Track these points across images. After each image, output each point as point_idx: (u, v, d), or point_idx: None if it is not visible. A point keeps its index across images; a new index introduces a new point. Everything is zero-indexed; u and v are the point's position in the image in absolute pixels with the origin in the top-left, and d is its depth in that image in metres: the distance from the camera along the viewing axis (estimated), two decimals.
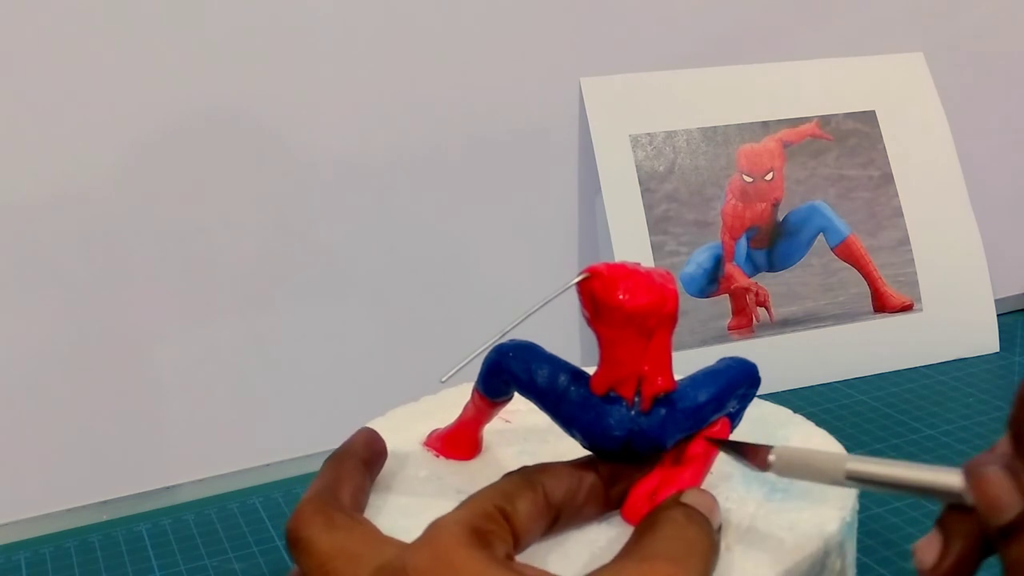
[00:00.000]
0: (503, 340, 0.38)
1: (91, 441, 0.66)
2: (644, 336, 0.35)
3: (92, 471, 0.66)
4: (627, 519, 0.36)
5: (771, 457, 0.35)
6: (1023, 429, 0.35)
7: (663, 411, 0.36)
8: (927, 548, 0.34)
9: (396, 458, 0.42)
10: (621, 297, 0.34)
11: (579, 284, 0.35)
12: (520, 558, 0.33)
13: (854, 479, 0.34)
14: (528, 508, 0.33)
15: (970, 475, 0.32)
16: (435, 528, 0.31)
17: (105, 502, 0.66)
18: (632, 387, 0.35)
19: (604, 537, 0.36)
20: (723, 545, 0.35)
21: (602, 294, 0.35)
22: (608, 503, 0.36)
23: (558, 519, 0.35)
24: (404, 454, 0.42)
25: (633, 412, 0.35)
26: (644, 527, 0.33)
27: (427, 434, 0.44)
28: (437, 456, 0.43)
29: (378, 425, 0.44)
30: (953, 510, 0.33)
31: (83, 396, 0.66)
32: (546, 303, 0.36)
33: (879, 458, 0.35)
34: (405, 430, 0.44)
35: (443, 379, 0.36)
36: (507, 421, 0.44)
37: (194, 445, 0.69)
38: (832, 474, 0.34)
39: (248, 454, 0.70)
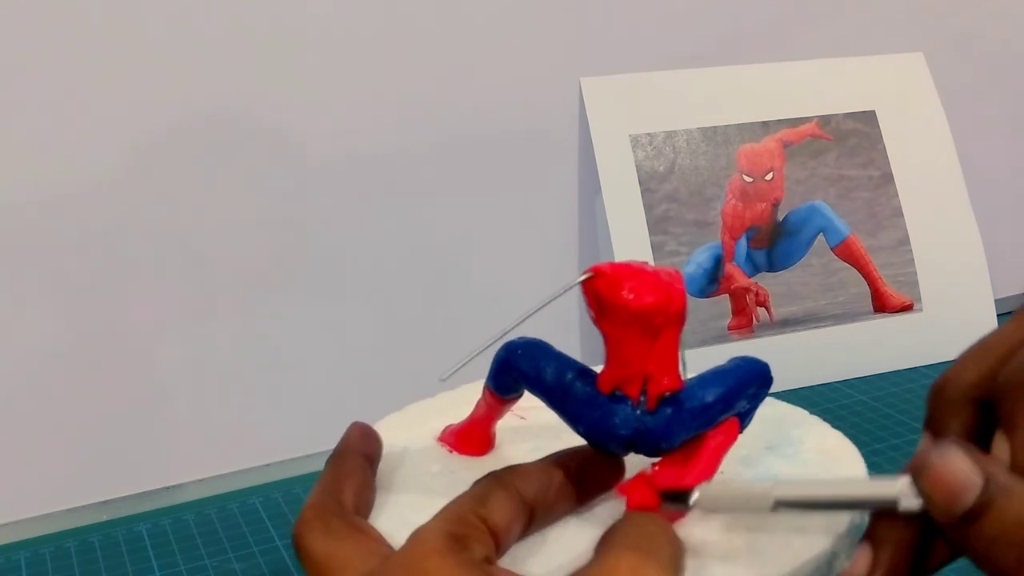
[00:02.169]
0: (503, 340, 0.38)
1: (91, 441, 0.66)
2: (650, 335, 0.35)
3: (92, 471, 0.66)
4: (623, 493, 0.37)
5: (694, 495, 0.35)
6: (940, 427, 0.36)
7: (669, 411, 0.36)
8: (856, 563, 0.32)
9: (410, 453, 0.42)
10: (626, 296, 0.34)
11: (583, 283, 0.35)
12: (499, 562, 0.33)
13: (784, 505, 0.33)
14: (503, 507, 0.33)
15: (920, 470, 0.31)
16: (413, 537, 0.32)
17: (105, 502, 0.66)
18: (638, 386, 0.35)
19: (587, 538, 0.36)
20: (731, 546, 0.35)
21: (606, 293, 0.34)
22: (579, 498, 0.37)
23: (533, 517, 0.35)
24: (418, 449, 0.43)
25: (639, 412, 0.35)
26: (606, 535, 0.33)
27: (441, 429, 0.44)
28: (451, 451, 0.43)
29: (393, 420, 0.45)
30: (881, 518, 0.33)
31: (83, 396, 0.66)
32: (547, 303, 0.36)
33: (806, 480, 0.34)
34: (419, 425, 0.44)
35: (443, 377, 0.36)
36: (522, 418, 0.44)
37: (194, 445, 0.69)
38: (759, 502, 0.34)
39: (248, 454, 0.69)
